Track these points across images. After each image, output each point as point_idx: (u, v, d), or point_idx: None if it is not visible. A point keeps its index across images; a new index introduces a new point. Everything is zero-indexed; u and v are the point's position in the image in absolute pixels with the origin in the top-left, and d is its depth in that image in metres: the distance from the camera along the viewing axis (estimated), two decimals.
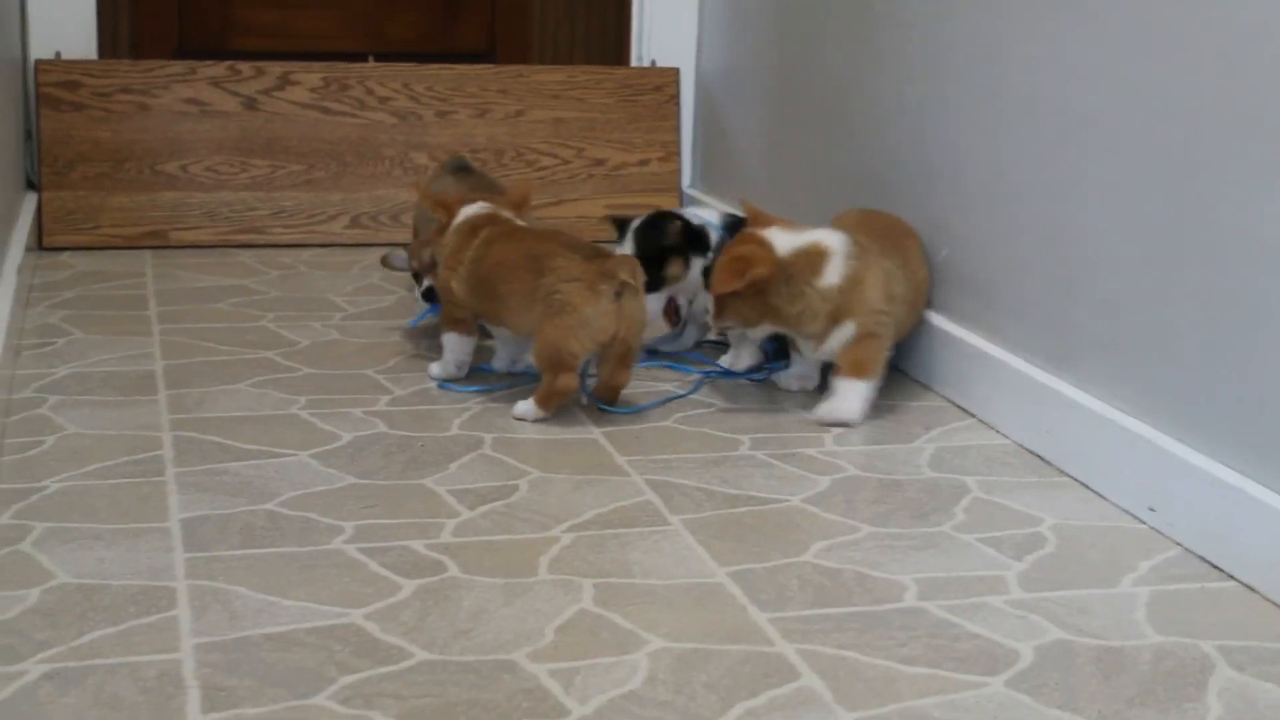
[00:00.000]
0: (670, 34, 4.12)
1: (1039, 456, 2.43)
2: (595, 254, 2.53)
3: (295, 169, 3.85)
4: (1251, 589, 1.96)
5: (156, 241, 3.75)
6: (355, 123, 3.91)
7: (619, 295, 2.49)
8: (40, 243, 3.68)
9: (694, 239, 2.83)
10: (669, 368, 2.87)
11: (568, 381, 2.51)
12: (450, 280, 2.68)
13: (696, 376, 2.80)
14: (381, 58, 4.13)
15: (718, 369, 2.82)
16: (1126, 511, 2.21)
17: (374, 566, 1.95)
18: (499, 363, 2.80)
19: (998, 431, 2.55)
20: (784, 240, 2.55)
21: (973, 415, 2.63)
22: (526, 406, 2.54)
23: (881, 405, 2.63)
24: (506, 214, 2.73)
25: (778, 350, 2.81)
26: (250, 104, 3.85)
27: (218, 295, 3.31)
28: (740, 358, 2.82)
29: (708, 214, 2.97)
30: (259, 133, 3.85)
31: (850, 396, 2.54)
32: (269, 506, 2.14)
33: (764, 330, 2.62)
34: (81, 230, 3.72)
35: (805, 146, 3.42)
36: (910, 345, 2.78)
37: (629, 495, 2.23)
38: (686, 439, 2.49)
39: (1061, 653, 1.77)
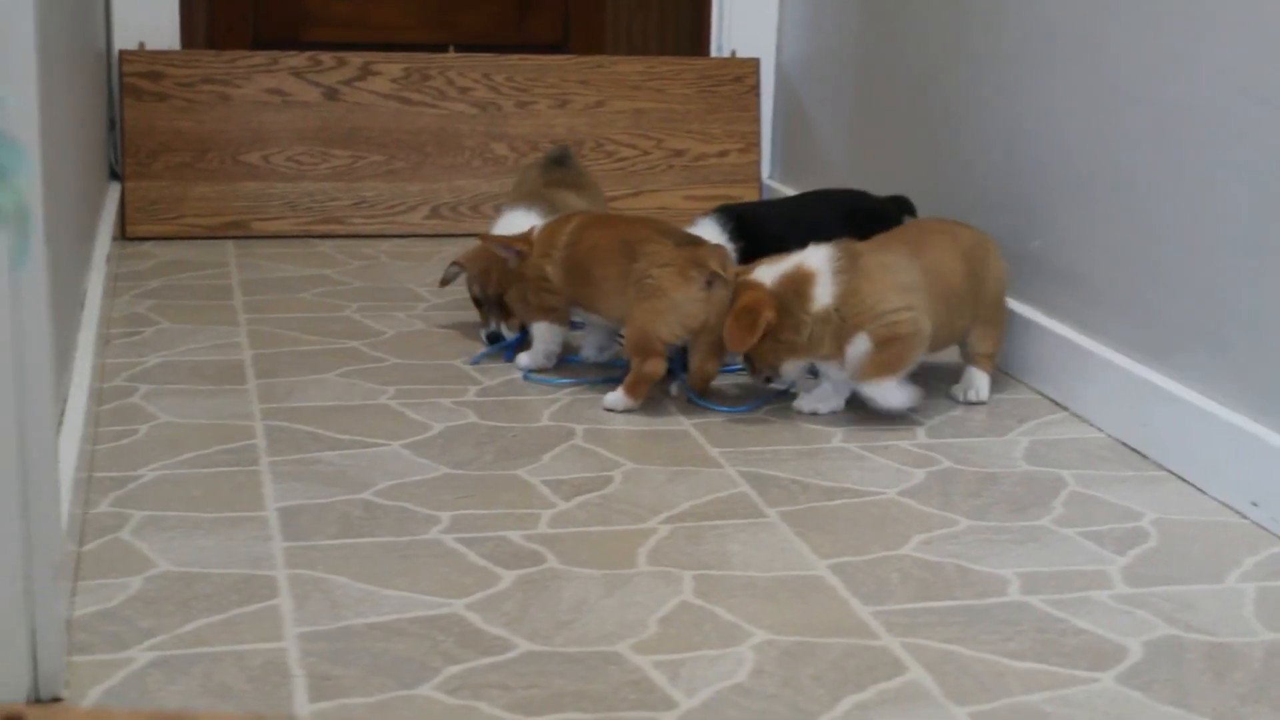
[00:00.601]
0: (750, 24, 4.10)
1: (1135, 450, 2.40)
2: (688, 241, 2.53)
3: (376, 159, 3.85)
4: None
5: (238, 231, 3.76)
6: (435, 113, 3.91)
7: (709, 284, 2.48)
8: (123, 232, 3.70)
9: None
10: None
11: (655, 367, 2.51)
12: (545, 266, 2.68)
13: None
14: (460, 49, 4.13)
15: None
16: (1228, 506, 2.18)
17: (473, 557, 1.94)
18: (587, 350, 2.79)
19: (1091, 425, 2.52)
20: (769, 275, 2.47)
21: (1065, 409, 2.60)
22: (616, 396, 2.54)
23: (938, 378, 2.62)
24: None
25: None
26: (331, 94, 3.86)
27: (301, 285, 3.32)
28: (817, 398, 2.60)
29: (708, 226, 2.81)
30: (340, 123, 3.85)
31: (885, 395, 2.47)
32: (364, 496, 2.14)
33: (796, 367, 2.52)
34: (164, 220, 3.73)
35: (889, 137, 3.40)
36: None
37: (723, 487, 2.22)
38: (778, 431, 2.47)
39: (1171, 649, 1.75)
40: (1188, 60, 2.32)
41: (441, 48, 4.21)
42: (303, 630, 1.73)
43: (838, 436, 2.45)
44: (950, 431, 2.49)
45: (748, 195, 3.97)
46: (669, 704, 1.59)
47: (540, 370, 2.72)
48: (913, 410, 2.52)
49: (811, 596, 1.86)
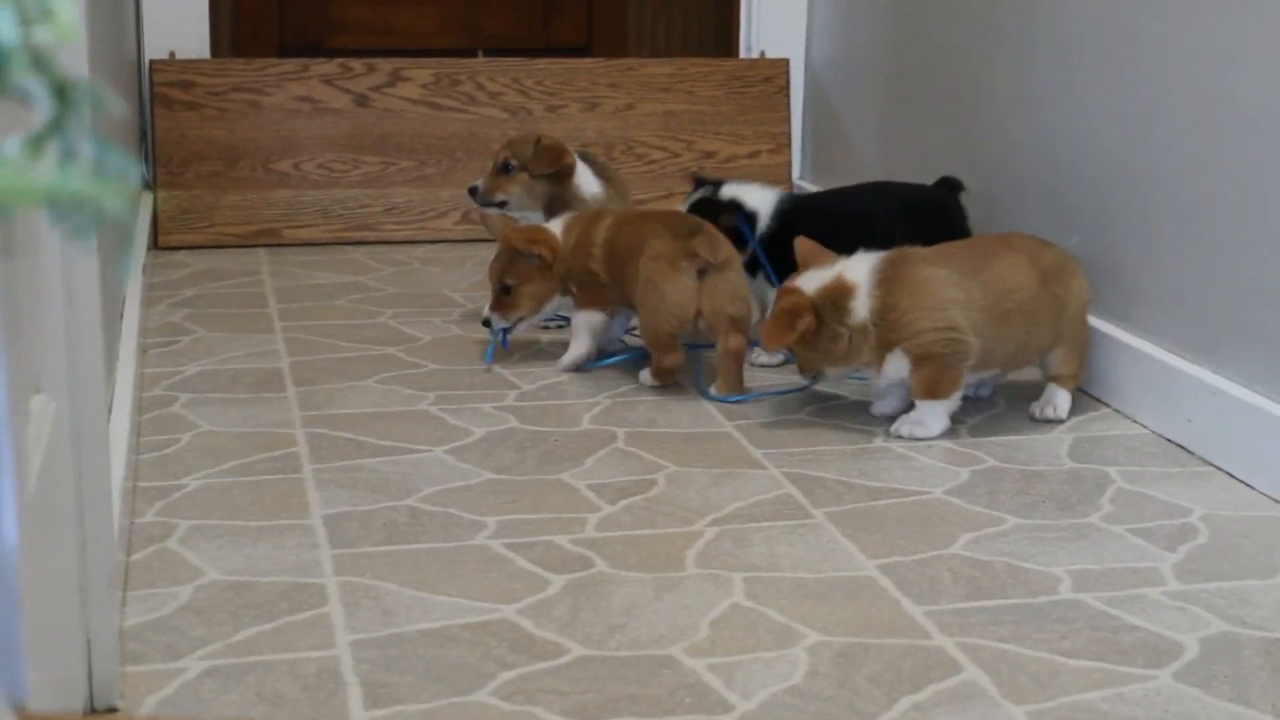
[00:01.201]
0: (780, 24, 4.09)
1: (1180, 446, 2.39)
2: (688, 232, 2.55)
3: (406, 165, 3.85)
4: None
5: (270, 240, 3.77)
6: (465, 118, 3.91)
7: (702, 273, 2.53)
8: (156, 242, 3.70)
9: (745, 220, 2.81)
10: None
11: (672, 360, 2.62)
12: (589, 264, 2.72)
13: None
14: (489, 54, 4.13)
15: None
16: (1276, 501, 2.17)
17: (521, 562, 1.94)
18: (615, 330, 2.87)
19: (1135, 421, 2.51)
20: (812, 283, 2.44)
21: (1108, 405, 2.59)
22: (647, 374, 2.67)
23: (1014, 396, 2.61)
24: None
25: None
26: (361, 101, 3.86)
27: (335, 292, 3.32)
28: (887, 403, 2.58)
29: (760, 195, 2.88)
30: (370, 129, 3.85)
31: (924, 415, 2.45)
32: (409, 503, 2.13)
33: (839, 371, 2.52)
34: (196, 229, 3.74)
35: (921, 137, 3.39)
36: None
37: (768, 489, 2.21)
38: (821, 432, 2.46)
39: (1227, 645, 1.74)
40: (1227, 53, 2.31)
41: (464, 52, 4.21)
42: (354, 638, 1.73)
43: (880, 436, 2.44)
44: (993, 430, 2.48)
45: None
46: (726, 707, 1.58)
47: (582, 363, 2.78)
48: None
49: (863, 597, 1.85)
